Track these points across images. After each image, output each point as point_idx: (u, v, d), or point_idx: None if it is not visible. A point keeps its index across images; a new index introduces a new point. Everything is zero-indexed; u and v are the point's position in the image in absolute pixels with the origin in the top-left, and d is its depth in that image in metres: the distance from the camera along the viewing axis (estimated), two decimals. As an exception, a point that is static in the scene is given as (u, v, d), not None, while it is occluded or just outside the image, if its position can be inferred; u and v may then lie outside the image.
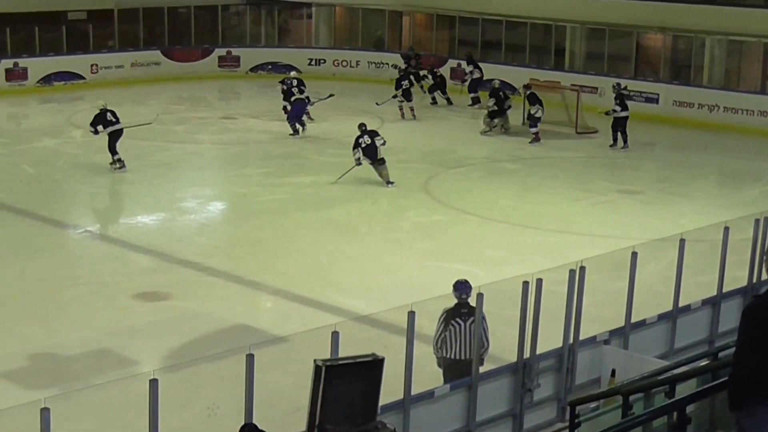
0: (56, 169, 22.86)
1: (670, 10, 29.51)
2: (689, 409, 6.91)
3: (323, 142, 25.88)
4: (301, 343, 11.65)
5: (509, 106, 27.13)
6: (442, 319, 10.77)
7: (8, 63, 31.40)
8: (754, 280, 12.87)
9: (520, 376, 10.54)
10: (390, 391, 8.98)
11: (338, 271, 16.47)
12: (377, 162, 21.31)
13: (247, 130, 27.36)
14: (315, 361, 7.82)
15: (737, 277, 13.00)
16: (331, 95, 27.85)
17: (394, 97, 28.63)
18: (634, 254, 11.51)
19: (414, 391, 9.66)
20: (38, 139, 25.79)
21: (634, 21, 30.45)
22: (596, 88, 29.70)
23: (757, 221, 12.84)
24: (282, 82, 27.34)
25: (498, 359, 11.05)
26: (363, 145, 21.24)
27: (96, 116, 22.19)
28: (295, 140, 25.83)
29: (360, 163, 21.26)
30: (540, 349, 10.63)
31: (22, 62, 31.63)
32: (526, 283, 10.30)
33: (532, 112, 25.95)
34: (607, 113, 25.81)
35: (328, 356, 8.48)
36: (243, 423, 8.17)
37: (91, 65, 32.99)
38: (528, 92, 26.32)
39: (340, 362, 8.02)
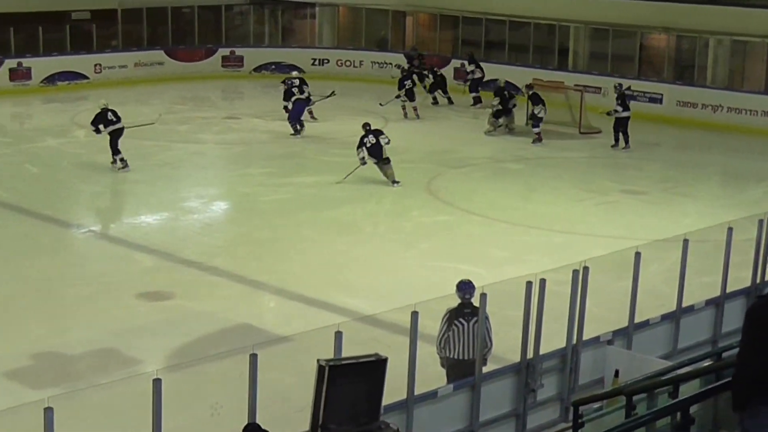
0: (60, 169, 22.89)
1: (674, 10, 29.48)
2: (692, 409, 6.92)
3: (326, 142, 25.89)
4: (304, 343, 11.65)
5: (514, 105, 27.14)
6: (446, 319, 10.77)
7: (12, 63, 31.44)
8: (758, 281, 12.87)
9: (524, 377, 10.54)
10: (393, 391, 8.98)
11: (341, 271, 16.47)
12: (382, 161, 21.33)
13: (251, 130, 27.38)
14: (318, 361, 7.82)
15: (741, 278, 12.99)
16: (332, 93, 27.88)
17: (397, 97, 28.66)
18: (638, 254, 11.50)
19: (417, 391, 9.66)
20: (42, 139, 25.81)
21: (637, 21, 30.43)
22: (600, 88, 29.68)
23: (760, 222, 12.84)
24: (284, 82, 27.37)
25: (501, 359, 11.05)
26: (368, 145, 21.25)
27: (97, 115, 22.22)
28: (298, 140, 25.84)
29: (365, 163, 21.27)
30: (543, 350, 10.63)
31: (26, 62, 31.67)
32: (529, 284, 10.29)
33: (535, 112, 25.95)
34: (608, 113, 25.79)
35: (332, 356, 8.49)
36: (246, 423, 8.17)
37: (95, 65, 33.02)
38: (530, 92, 26.31)
39: (344, 362, 8.02)
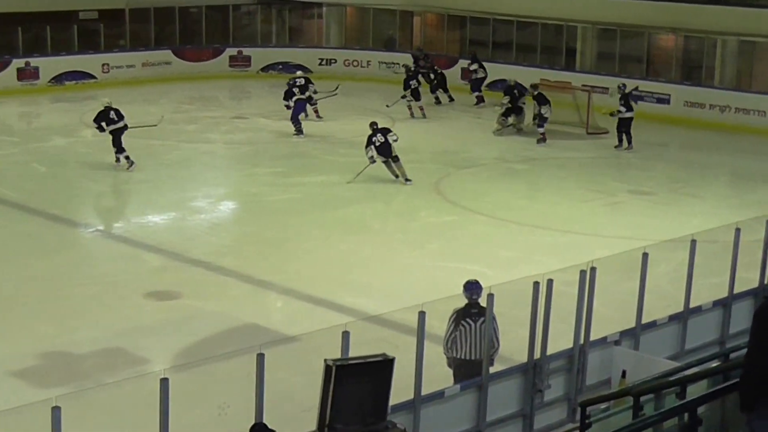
0: (67, 169, 22.93)
1: (682, 10, 29.44)
2: (700, 410, 6.92)
3: (334, 142, 25.90)
4: (311, 343, 11.65)
5: (524, 104, 27.11)
6: (453, 319, 10.76)
7: (20, 62, 31.49)
8: (766, 282, 12.84)
9: (531, 377, 10.53)
10: (400, 391, 8.98)
11: (349, 271, 16.47)
12: (392, 159, 21.37)
13: (258, 129, 27.40)
14: (325, 360, 7.83)
15: (748, 279, 12.97)
16: (337, 87, 28.15)
17: (403, 97, 28.75)
18: (645, 255, 11.48)
19: (424, 391, 9.66)
20: (50, 138, 25.85)
21: (645, 21, 30.40)
22: (607, 89, 29.61)
23: (768, 222, 12.82)
24: (289, 82, 27.41)
25: (508, 360, 11.04)
26: (377, 144, 21.29)
27: (99, 113, 22.30)
28: (305, 140, 25.86)
29: (374, 161, 21.31)
30: (550, 350, 10.62)
31: (34, 62, 31.71)
32: (536, 284, 10.29)
33: (542, 112, 25.92)
34: (612, 114, 25.78)
35: (339, 356, 8.49)
36: (253, 422, 8.18)
37: (103, 65, 33.07)
38: (536, 92, 26.28)
39: (351, 362, 8.03)
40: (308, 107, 27.50)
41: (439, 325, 10.72)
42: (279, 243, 17.98)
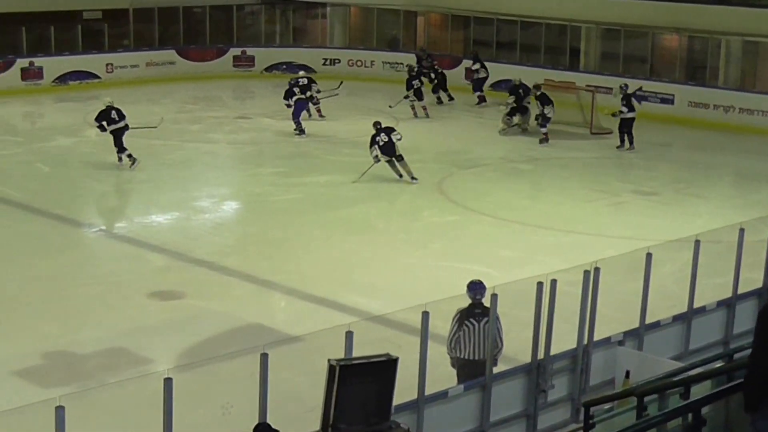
0: (71, 168, 22.94)
1: (686, 10, 29.42)
2: (704, 410, 6.91)
3: (337, 142, 25.91)
4: (315, 343, 11.66)
5: (528, 103, 27.11)
6: (456, 319, 10.76)
7: (24, 62, 31.53)
8: (770, 282, 12.84)
9: (534, 377, 10.52)
10: (404, 391, 8.97)
11: (352, 271, 16.47)
12: (396, 158, 21.40)
13: (262, 129, 27.41)
14: (329, 360, 7.82)
15: (753, 279, 12.96)
16: (341, 84, 28.44)
17: (406, 97, 28.82)
18: (649, 255, 11.47)
19: (428, 391, 9.65)
20: (53, 138, 25.88)
21: (649, 22, 30.38)
22: (611, 89, 29.55)
23: (772, 222, 12.82)
24: (290, 82, 27.43)
25: (512, 360, 11.04)
26: (380, 143, 21.33)
27: (101, 112, 22.37)
28: (309, 140, 25.87)
29: (378, 161, 21.35)
30: (554, 350, 10.61)
31: (38, 61, 31.75)
32: (540, 284, 10.27)
33: (545, 112, 25.90)
34: (614, 114, 25.77)
35: (342, 356, 8.49)
36: (257, 422, 8.18)
37: (107, 64, 33.10)
38: (539, 93, 26.26)
39: (354, 362, 8.03)
40: (311, 106, 27.56)
41: (442, 325, 10.72)
42: (282, 243, 17.99)
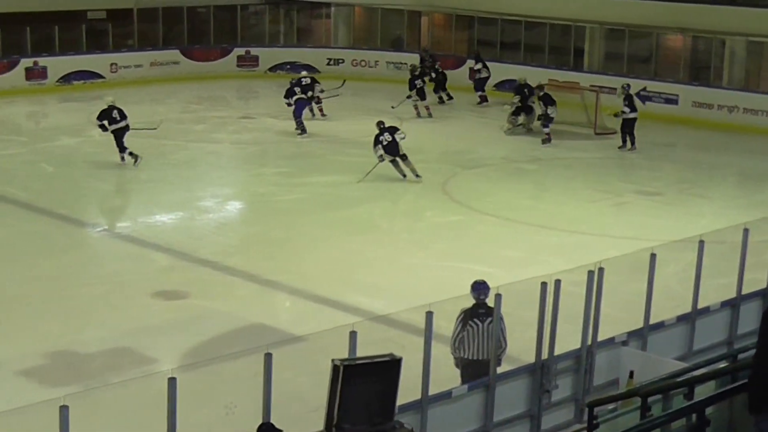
0: (75, 168, 22.96)
1: (690, 10, 29.40)
2: (708, 411, 6.90)
3: (341, 142, 25.91)
4: (318, 343, 11.66)
5: (533, 102, 27.10)
6: (460, 319, 10.76)
7: (28, 62, 31.54)
8: (774, 282, 12.83)
9: (538, 377, 10.52)
10: (407, 391, 8.98)
11: (356, 271, 16.47)
12: (400, 157, 21.42)
13: (266, 129, 27.41)
14: (333, 360, 7.83)
15: (757, 279, 12.95)
16: (343, 82, 28.61)
17: (409, 97, 28.87)
18: (653, 255, 11.47)
19: (431, 391, 9.65)
20: (57, 138, 25.91)
21: (653, 22, 30.35)
22: (615, 89, 29.54)
23: (776, 223, 12.80)
24: (291, 81, 27.48)
25: (516, 360, 11.03)
26: (384, 143, 21.36)
27: (102, 111, 22.45)
28: (312, 140, 25.87)
29: (383, 160, 21.37)
30: (558, 350, 10.61)
31: (42, 61, 31.77)
32: (544, 284, 10.27)
33: (548, 112, 25.88)
34: (615, 115, 25.76)
35: (346, 356, 8.48)
36: (261, 422, 8.18)
37: (111, 64, 33.11)
38: (542, 93, 26.24)
39: (358, 362, 8.03)
40: (313, 105, 27.62)
41: (446, 325, 10.72)
42: (286, 243, 17.99)
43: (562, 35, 33.01)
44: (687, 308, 12.12)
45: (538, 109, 26.41)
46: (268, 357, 8.39)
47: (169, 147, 24.67)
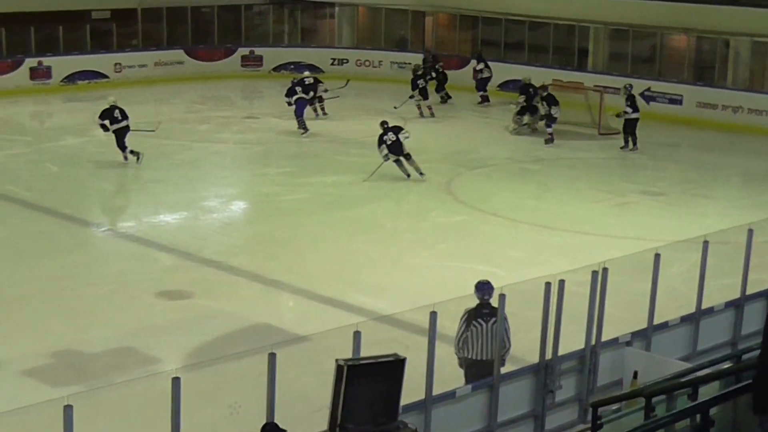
0: (80, 168, 22.97)
1: (694, 11, 29.37)
2: (712, 411, 6.91)
3: (345, 142, 25.92)
4: (322, 343, 11.66)
5: (538, 102, 27.09)
6: (464, 319, 10.76)
7: (32, 62, 31.58)
8: (778, 283, 12.82)
9: (542, 377, 10.52)
10: (411, 391, 8.97)
11: (360, 271, 16.48)
12: (404, 156, 21.46)
13: (270, 129, 27.42)
14: (337, 360, 7.83)
15: (761, 280, 12.95)
16: (347, 82, 28.70)
17: (411, 97, 28.93)
18: (657, 256, 11.46)
19: (435, 391, 9.65)
20: (62, 138, 25.93)
21: (657, 22, 30.33)
22: (620, 89, 29.57)
23: (781, 223, 12.79)
24: (293, 81, 27.53)
25: (520, 360, 11.03)
26: (388, 142, 21.41)
27: (104, 110, 22.52)
28: (316, 140, 25.88)
29: (388, 159, 21.40)
30: (562, 351, 10.60)
31: (46, 61, 31.81)
32: (548, 284, 10.27)
33: (552, 112, 25.87)
34: (618, 115, 25.75)
35: (350, 356, 8.49)
36: (264, 422, 8.18)
37: (115, 64, 33.15)
38: (545, 93, 26.23)
39: (362, 362, 8.03)
40: (316, 105, 27.66)
41: (450, 325, 10.72)
42: (290, 243, 18.00)
43: (566, 35, 33.00)
44: (691, 309, 12.11)
45: (541, 109, 26.39)
46: (272, 357, 8.39)
47: (173, 147, 24.69)
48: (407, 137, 21.53)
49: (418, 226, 19.33)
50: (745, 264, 12.41)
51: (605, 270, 10.81)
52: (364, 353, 8.60)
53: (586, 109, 28.08)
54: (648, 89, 28.23)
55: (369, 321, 12.40)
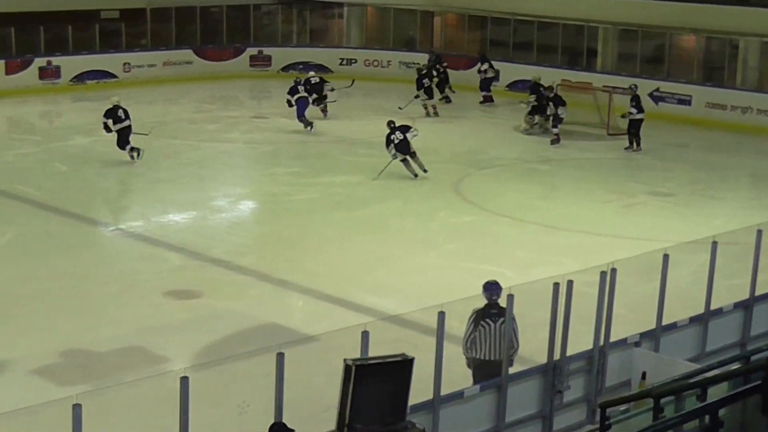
0: (89, 167, 23.00)
1: (703, 11, 29.32)
2: (721, 412, 6.89)
3: (354, 142, 25.93)
4: (331, 343, 11.66)
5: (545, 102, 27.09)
6: (472, 319, 10.76)
7: (41, 61, 31.65)
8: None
9: (550, 378, 10.51)
10: (419, 391, 8.98)
11: (368, 271, 16.48)
12: (411, 155, 21.52)
13: (278, 129, 27.43)
14: (345, 360, 7.84)
15: (770, 281, 12.92)
16: (353, 82, 28.77)
17: (416, 97, 29.00)
18: (666, 256, 11.44)
19: (443, 391, 9.65)
20: (71, 137, 25.97)
21: (666, 22, 30.28)
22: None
23: (790, 224, 12.75)
24: (295, 80, 27.61)
25: (528, 360, 11.02)
26: (396, 141, 21.49)
27: (108, 110, 22.62)
28: (324, 140, 25.91)
29: (396, 158, 21.49)
30: (570, 351, 10.60)
31: (56, 60, 31.87)
32: (556, 285, 10.26)
33: (558, 112, 25.84)
34: (623, 116, 25.72)
35: (358, 356, 8.49)
36: (273, 421, 8.19)
37: (124, 64, 33.20)
38: (552, 94, 26.20)
39: (370, 362, 8.04)
40: (324, 104, 27.73)
41: (458, 325, 10.72)
42: (298, 242, 18.01)
43: (575, 35, 32.98)
44: (700, 309, 12.09)
45: (548, 109, 26.36)
46: (281, 356, 8.40)
47: (181, 147, 24.73)
48: (416, 135, 21.64)
49: (426, 226, 19.32)
50: (754, 265, 12.39)
51: (614, 270, 10.80)
52: (372, 353, 8.60)
53: (595, 110, 28.05)
54: (657, 89, 28.18)
55: (377, 321, 12.39)
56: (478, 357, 10.73)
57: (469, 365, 10.91)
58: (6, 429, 7.54)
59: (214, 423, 10.32)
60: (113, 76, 32.84)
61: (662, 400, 7.65)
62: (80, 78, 32.27)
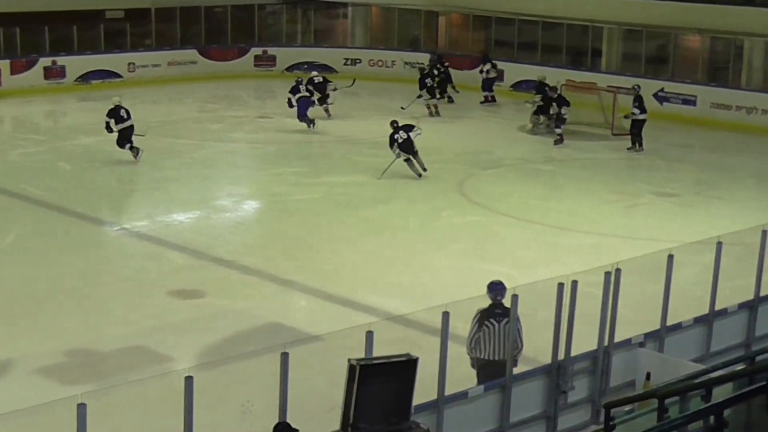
0: (93, 167, 23.02)
1: (708, 11, 29.29)
2: (726, 413, 6.89)
3: (358, 142, 25.93)
4: (335, 343, 11.67)
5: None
6: (476, 319, 10.75)
7: (46, 61, 31.69)
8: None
9: (555, 378, 10.50)
10: (424, 391, 8.97)
11: (372, 271, 16.48)
12: (413, 154, 21.56)
13: (282, 129, 27.44)
14: (349, 360, 7.83)
15: (775, 281, 12.90)
16: (354, 81, 28.79)
17: (419, 97, 29.03)
18: (671, 257, 11.43)
19: (448, 391, 9.65)
20: (76, 137, 26.00)
21: (671, 22, 30.25)
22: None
23: (795, 225, 12.73)
24: (297, 79, 27.65)
25: (532, 361, 11.02)
26: (399, 141, 21.55)
27: (110, 110, 22.68)
28: (329, 140, 25.92)
29: (399, 156, 21.56)
30: (574, 351, 10.59)
31: (60, 60, 31.91)
32: (561, 285, 10.26)
33: (562, 113, 25.83)
34: (626, 116, 25.71)
35: (363, 356, 8.49)
36: (277, 421, 8.19)
37: (128, 64, 33.24)
38: (556, 94, 26.19)
39: (375, 362, 8.04)
40: (319, 104, 27.75)
41: (462, 325, 10.71)
42: (303, 242, 18.01)
43: (579, 36, 32.98)
44: (704, 310, 12.09)
45: (552, 110, 26.36)
46: (285, 356, 8.40)
47: (186, 146, 24.74)
48: (419, 134, 21.70)
49: (430, 226, 19.32)
50: (758, 265, 12.37)
51: (618, 271, 10.79)
52: (376, 353, 8.60)
53: (599, 110, 28.04)
54: (661, 90, 28.14)
55: (381, 321, 12.41)
56: (482, 357, 10.73)
57: (473, 365, 10.91)
58: (11, 428, 7.55)
59: (219, 422, 10.33)
60: (118, 75, 32.88)
61: (667, 401, 7.65)
62: (85, 78, 32.31)
